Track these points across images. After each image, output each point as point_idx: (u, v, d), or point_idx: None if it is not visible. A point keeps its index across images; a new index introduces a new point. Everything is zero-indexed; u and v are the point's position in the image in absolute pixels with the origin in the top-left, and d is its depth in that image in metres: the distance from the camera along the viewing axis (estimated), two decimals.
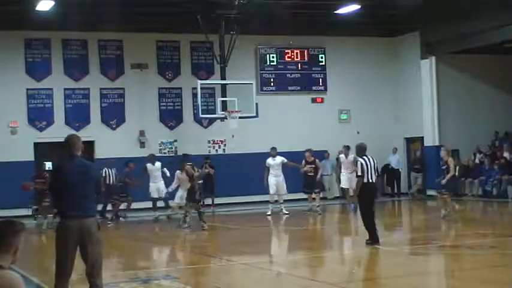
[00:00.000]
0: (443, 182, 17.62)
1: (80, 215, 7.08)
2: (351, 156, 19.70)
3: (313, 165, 20.78)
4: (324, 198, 25.51)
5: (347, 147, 20.81)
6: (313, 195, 20.95)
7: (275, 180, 20.52)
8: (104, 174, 21.35)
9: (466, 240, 14.33)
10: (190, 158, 19.39)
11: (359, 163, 13.17)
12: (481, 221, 19.45)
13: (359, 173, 13.10)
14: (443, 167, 17.81)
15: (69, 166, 7.33)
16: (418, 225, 19.41)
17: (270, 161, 20.72)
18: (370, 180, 13.09)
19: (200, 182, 18.60)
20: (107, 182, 21.25)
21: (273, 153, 20.80)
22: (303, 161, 20.87)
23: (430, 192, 25.73)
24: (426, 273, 11.14)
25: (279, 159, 20.72)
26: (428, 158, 25.88)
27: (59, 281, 7.17)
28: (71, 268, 7.17)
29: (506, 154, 24.46)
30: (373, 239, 13.10)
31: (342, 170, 21.34)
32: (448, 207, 17.86)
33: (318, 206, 20.83)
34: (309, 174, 20.71)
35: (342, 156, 21.33)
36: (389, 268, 11.38)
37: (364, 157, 13.27)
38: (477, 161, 25.49)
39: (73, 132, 23.07)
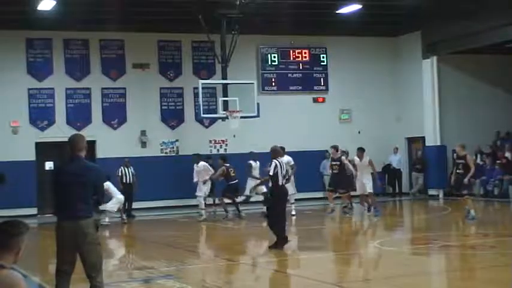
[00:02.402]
0: (466, 181, 16.97)
1: (74, 216, 7.09)
2: (366, 158, 19.28)
3: (339, 162, 19.94)
4: (324, 198, 25.52)
5: (361, 150, 19.56)
6: (338, 194, 20.33)
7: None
8: (119, 174, 21.42)
9: (467, 240, 14.35)
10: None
11: (273, 164, 13.32)
12: (482, 221, 19.42)
13: (271, 173, 13.26)
14: (459, 162, 17.15)
15: (69, 168, 7.36)
16: (419, 225, 19.40)
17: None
18: (283, 183, 13.34)
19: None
20: (124, 181, 21.36)
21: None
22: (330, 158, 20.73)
23: (431, 192, 25.75)
24: (427, 273, 11.14)
25: (286, 159, 20.49)
26: (430, 157, 25.89)
27: (58, 281, 7.20)
28: (71, 268, 7.17)
29: (507, 154, 24.45)
30: (281, 243, 13.09)
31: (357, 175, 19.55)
32: (471, 208, 17.29)
33: (345, 206, 20.23)
34: (334, 171, 20.13)
35: (356, 158, 19.60)
36: (389, 268, 11.38)
37: (278, 159, 13.49)
38: (478, 161, 25.46)
39: (74, 132, 23.14)
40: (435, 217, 20.10)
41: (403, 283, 9.93)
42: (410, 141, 27.69)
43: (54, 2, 20.20)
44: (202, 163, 20.84)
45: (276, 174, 13.21)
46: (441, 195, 25.40)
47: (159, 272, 11.59)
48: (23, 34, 23.46)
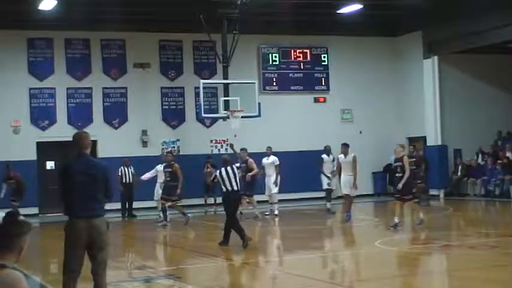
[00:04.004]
0: (399, 186, 15.77)
1: (89, 215, 7.02)
2: (351, 155, 18.01)
3: (244, 165, 18.82)
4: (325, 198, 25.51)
5: (346, 145, 18.19)
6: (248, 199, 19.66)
7: (266, 180, 20.38)
8: (119, 174, 21.46)
9: (467, 240, 14.34)
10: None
11: (214, 174, 14.38)
12: (483, 221, 19.45)
13: (211, 178, 14.58)
14: (397, 164, 16.10)
15: (77, 165, 7.23)
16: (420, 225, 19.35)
17: (264, 160, 20.56)
18: (230, 189, 13.85)
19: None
20: (124, 180, 21.38)
21: (268, 151, 20.62)
22: None
23: (432, 192, 25.69)
24: (427, 273, 11.14)
25: (271, 159, 20.48)
26: (431, 157, 25.85)
27: (69, 279, 7.11)
28: (80, 267, 7.12)
29: (508, 154, 24.43)
30: (225, 241, 13.86)
31: (342, 172, 18.15)
32: (418, 213, 16.26)
33: (262, 212, 19.88)
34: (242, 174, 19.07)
35: (341, 156, 18.16)
36: (389, 268, 11.39)
37: (224, 168, 14.01)
38: (480, 160, 25.46)
39: (75, 131, 23.14)
40: (436, 217, 20.08)
41: (403, 283, 9.94)
42: (411, 141, 27.65)
43: (55, 2, 20.21)
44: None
45: (217, 181, 14.22)
46: (442, 195, 25.40)
47: (159, 272, 11.61)
48: (24, 34, 23.49)
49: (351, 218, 17.98)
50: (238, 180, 14.01)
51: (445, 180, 25.69)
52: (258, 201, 21.11)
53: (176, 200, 18.54)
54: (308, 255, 13.17)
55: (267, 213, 20.54)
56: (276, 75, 26.43)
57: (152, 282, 10.58)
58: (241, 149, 19.57)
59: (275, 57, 26.42)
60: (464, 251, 12.83)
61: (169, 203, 18.48)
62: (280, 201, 21.15)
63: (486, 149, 25.79)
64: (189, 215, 18.92)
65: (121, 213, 22.04)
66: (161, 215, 19.39)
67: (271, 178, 20.26)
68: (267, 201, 20.95)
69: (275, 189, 20.35)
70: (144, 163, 23.09)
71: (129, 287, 10.20)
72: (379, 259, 12.47)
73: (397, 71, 27.69)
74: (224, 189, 13.98)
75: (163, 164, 18.90)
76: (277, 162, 20.30)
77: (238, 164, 15.15)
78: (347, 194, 18.01)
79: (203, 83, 22.83)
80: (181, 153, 24.86)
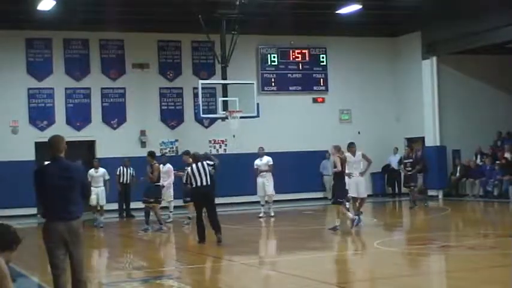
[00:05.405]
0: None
1: (66, 217, 7.18)
2: (359, 153, 16.96)
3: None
4: (324, 199, 25.51)
5: (353, 144, 17.06)
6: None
7: (261, 180, 20.25)
8: (118, 173, 21.43)
9: (466, 241, 14.33)
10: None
11: (186, 172, 14.86)
12: (482, 222, 19.45)
13: (184, 181, 15.06)
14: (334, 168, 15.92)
15: (52, 169, 7.32)
16: (419, 225, 19.37)
17: (257, 161, 20.37)
18: (199, 184, 14.33)
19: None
20: (121, 180, 21.33)
21: (261, 152, 20.49)
22: None
23: (430, 192, 25.72)
24: (426, 273, 11.14)
25: (266, 159, 20.37)
26: (429, 158, 25.84)
27: (58, 279, 7.27)
28: (66, 265, 7.27)
29: (507, 154, 24.42)
30: (200, 238, 14.54)
31: (348, 171, 16.58)
32: (343, 217, 15.96)
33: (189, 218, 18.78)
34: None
35: (349, 155, 16.73)
36: (389, 268, 11.37)
37: (194, 164, 14.56)
38: (479, 161, 25.44)
39: (74, 132, 23.22)
40: (434, 217, 20.09)
41: (403, 283, 9.92)
42: (410, 141, 27.65)
43: (54, 2, 20.19)
44: (168, 165, 19.87)
45: (189, 180, 14.52)
46: (440, 196, 25.40)
47: (159, 272, 11.58)
48: (22, 34, 23.48)
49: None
50: (208, 176, 14.37)
51: (444, 180, 25.70)
52: (250, 202, 21.08)
53: (153, 202, 17.66)
54: (307, 255, 13.15)
55: (261, 215, 20.26)
56: (274, 75, 26.42)
57: (151, 283, 10.55)
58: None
59: (274, 57, 26.41)
60: (463, 252, 12.82)
61: (146, 205, 17.78)
62: (278, 201, 21.15)
63: (485, 149, 25.76)
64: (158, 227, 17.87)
65: (118, 214, 22.03)
66: (170, 215, 19.64)
67: (267, 179, 20.11)
68: (258, 202, 20.83)
69: (271, 191, 20.22)
70: (142, 163, 23.03)
71: (128, 287, 10.19)
72: (379, 259, 12.46)
73: (396, 71, 27.69)
74: (194, 185, 14.35)
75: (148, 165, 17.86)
76: (271, 162, 20.18)
77: (211, 162, 15.21)
78: (362, 197, 17.10)
79: (202, 84, 22.83)
80: (180, 153, 24.82)
